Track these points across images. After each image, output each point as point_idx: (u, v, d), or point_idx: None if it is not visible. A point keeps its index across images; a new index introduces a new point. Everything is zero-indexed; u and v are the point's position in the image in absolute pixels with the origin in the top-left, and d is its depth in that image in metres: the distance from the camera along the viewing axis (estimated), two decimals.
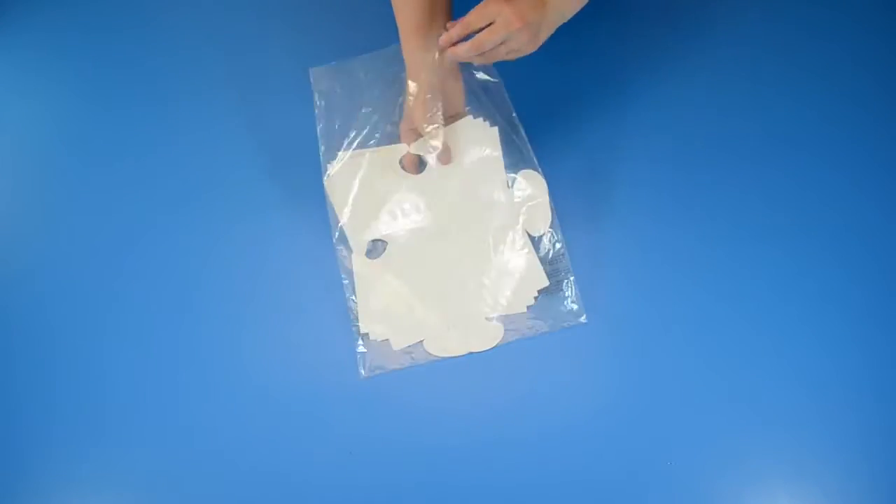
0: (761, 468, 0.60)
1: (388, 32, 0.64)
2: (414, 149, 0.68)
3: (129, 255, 0.71)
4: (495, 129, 0.68)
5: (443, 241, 0.68)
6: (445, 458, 0.62)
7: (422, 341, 0.65)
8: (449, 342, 0.65)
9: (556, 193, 0.68)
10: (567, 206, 0.68)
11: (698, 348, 0.64)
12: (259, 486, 0.62)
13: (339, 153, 0.69)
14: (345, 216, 0.68)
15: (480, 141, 0.68)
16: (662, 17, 0.79)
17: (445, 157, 0.67)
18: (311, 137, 0.72)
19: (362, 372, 0.64)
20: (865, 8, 0.77)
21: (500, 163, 0.68)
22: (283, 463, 0.62)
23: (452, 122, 0.68)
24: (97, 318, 0.69)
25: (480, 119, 0.68)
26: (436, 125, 0.64)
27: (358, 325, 0.66)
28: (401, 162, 0.69)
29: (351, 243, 0.68)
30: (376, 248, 0.69)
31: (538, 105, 0.72)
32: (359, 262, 0.68)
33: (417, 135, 0.67)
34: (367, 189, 0.69)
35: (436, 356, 0.65)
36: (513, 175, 0.68)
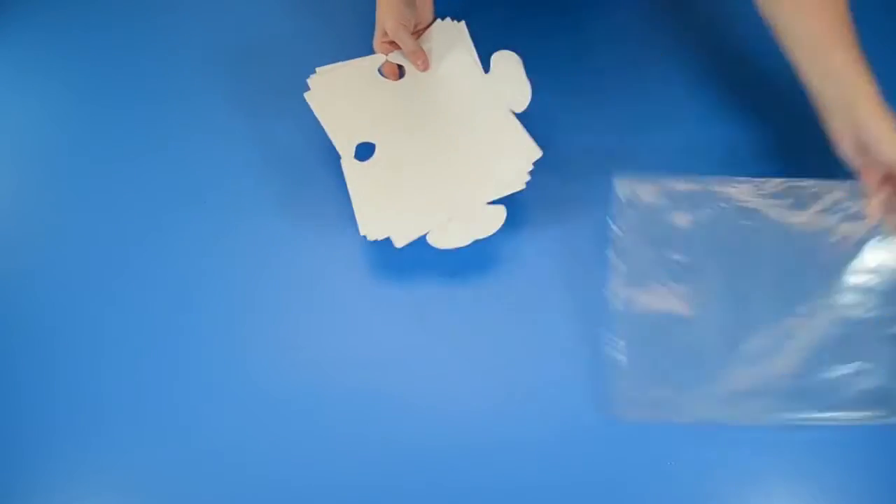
0: (761, 468, 0.60)
1: None
2: (392, 57, 0.70)
3: (129, 254, 0.71)
4: (462, 24, 0.70)
5: (431, 137, 0.69)
6: (444, 457, 0.62)
7: (426, 235, 0.65)
8: (452, 233, 0.65)
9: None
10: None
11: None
12: (258, 487, 0.62)
13: (317, 68, 0.71)
14: (329, 124, 0.69)
15: (450, 37, 0.70)
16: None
17: (424, 63, 0.70)
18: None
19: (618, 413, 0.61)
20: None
21: (473, 52, 0.70)
22: (283, 463, 0.62)
23: (423, 32, 0.70)
24: (97, 318, 0.69)
25: (448, 19, 0.71)
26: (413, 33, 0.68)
27: None
28: (380, 70, 0.71)
29: (338, 149, 0.69)
30: (365, 150, 0.69)
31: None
32: (348, 166, 0.68)
33: (392, 45, 0.69)
34: (348, 98, 0.71)
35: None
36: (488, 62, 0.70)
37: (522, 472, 0.61)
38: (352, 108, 0.71)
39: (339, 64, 0.72)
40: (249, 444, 0.63)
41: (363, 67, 0.72)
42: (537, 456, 0.61)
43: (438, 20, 0.71)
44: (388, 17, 0.66)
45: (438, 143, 0.69)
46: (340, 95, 0.71)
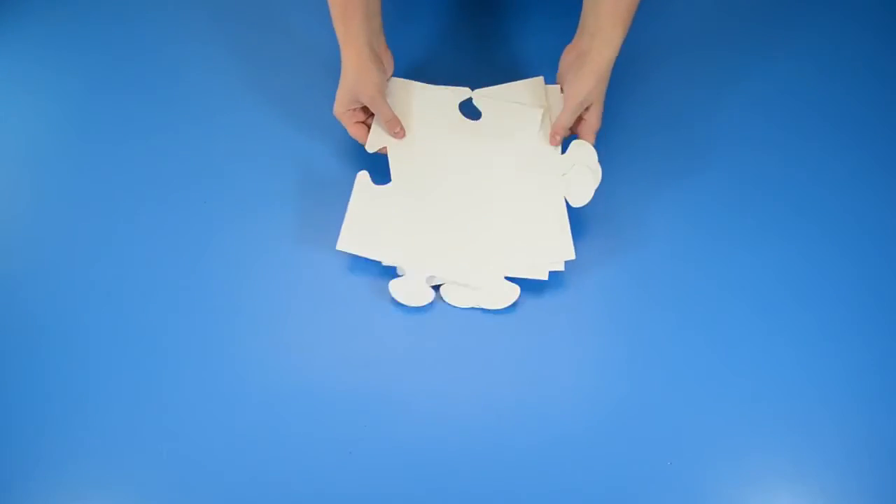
0: (761, 468, 0.60)
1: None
2: (371, 145, 0.69)
3: (131, 254, 0.70)
4: (558, 88, 0.69)
5: (481, 187, 0.68)
6: (444, 459, 0.62)
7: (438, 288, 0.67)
8: (463, 294, 0.66)
9: None
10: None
11: (699, 347, 0.64)
12: (258, 487, 0.62)
13: (394, 78, 0.70)
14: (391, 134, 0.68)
15: (544, 101, 0.69)
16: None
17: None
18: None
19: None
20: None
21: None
22: (282, 463, 0.62)
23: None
24: (92, 313, 0.68)
25: (555, 85, 0.69)
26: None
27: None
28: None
29: (391, 163, 0.68)
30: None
31: None
32: (363, 179, 0.68)
33: (357, 113, 0.67)
34: (421, 118, 0.69)
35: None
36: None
37: (524, 474, 0.61)
38: (420, 128, 0.69)
39: (425, 85, 0.70)
40: (248, 443, 0.63)
41: (444, 97, 0.69)
42: (539, 456, 0.61)
43: (541, 78, 0.70)
44: (366, 85, 0.63)
45: (485, 195, 0.67)
46: (415, 109, 0.69)
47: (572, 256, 0.65)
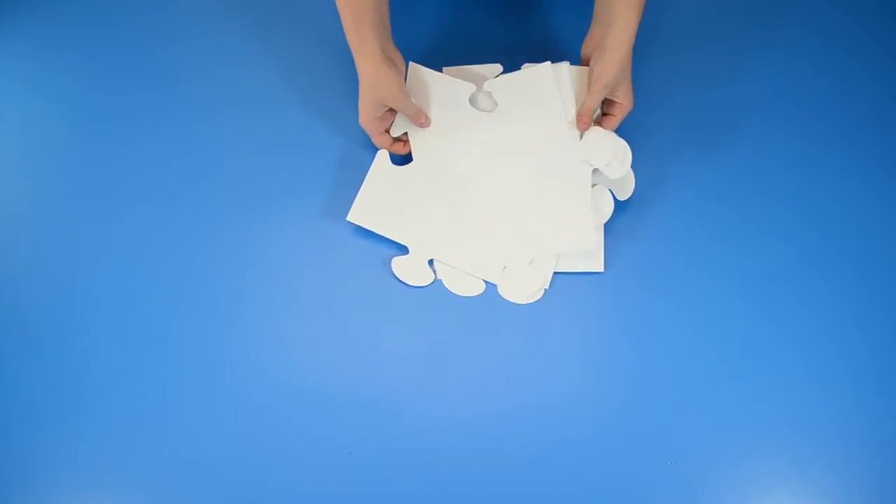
0: (761, 468, 0.60)
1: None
2: (396, 130, 0.69)
3: (130, 253, 0.70)
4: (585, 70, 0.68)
5: (499, 181, 0.68)
6: (444, 459, 0.62)
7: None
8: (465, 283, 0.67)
9: None
10: None
11: (700, 348, 0.64)
12: (258, 487, 0.62)
13: (411, 62, 0.70)
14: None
15: (555, 87, 0.68)
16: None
17: (427, 119, 0.69)
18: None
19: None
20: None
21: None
22: (283, 463, 0.62)
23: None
24: (91, 313, 0.68)
25: (566, 62, 0.69)
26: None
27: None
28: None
29: (412, 147, 0.69)
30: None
31: None
32: (382, 157, 0.69)
33: (390, 115, 0.68)
34: (437, 108, 0.69)
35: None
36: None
37: (524, 474, 0.61)
38: (440, 118, 0.69)
39: (440, 74, 0.70)
40: (248, 443, 0.63)
41: (458, 89, 0.69)
42: (538, 457, 0.62)
43: (567, 63, 0.69)
44: (388, 87, 0.64)
45: (504, 187, 0.67)
46: (433, 99, 0.69)
47: (590, 246, 0.65)
